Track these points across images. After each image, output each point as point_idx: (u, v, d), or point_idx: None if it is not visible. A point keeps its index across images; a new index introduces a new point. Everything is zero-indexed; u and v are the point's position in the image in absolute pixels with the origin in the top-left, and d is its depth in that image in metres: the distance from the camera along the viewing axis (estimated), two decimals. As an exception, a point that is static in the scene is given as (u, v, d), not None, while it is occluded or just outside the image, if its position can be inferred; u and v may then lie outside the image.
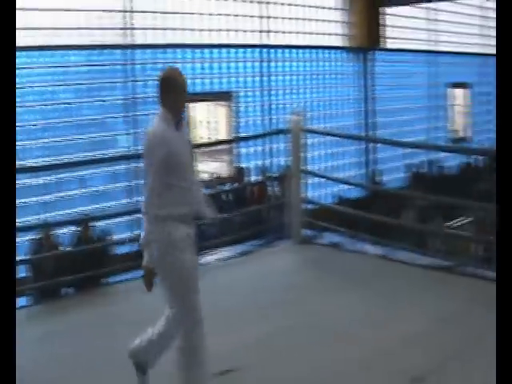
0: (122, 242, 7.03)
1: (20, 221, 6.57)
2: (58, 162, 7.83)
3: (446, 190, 11.64)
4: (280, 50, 10.92)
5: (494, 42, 16.13)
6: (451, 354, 3.75)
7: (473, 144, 15.44)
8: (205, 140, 9.94)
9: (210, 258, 5.83)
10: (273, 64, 10.86)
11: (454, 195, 11.11)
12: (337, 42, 12.17)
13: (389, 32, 12.95)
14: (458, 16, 15.01)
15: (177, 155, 3.22)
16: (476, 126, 15.92)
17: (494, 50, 16.14)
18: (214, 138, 10.16)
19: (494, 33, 16.13)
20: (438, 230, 7.79)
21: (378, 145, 12.24)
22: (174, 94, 3.30)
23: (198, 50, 9.77)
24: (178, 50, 9.52)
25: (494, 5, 15.83)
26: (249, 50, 10.52)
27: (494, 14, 15.98)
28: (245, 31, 10.44)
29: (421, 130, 13.76)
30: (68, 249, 6.37)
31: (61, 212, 8.11)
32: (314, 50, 11.58)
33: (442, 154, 13.56)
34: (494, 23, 16.11)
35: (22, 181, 7.49)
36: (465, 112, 15.73)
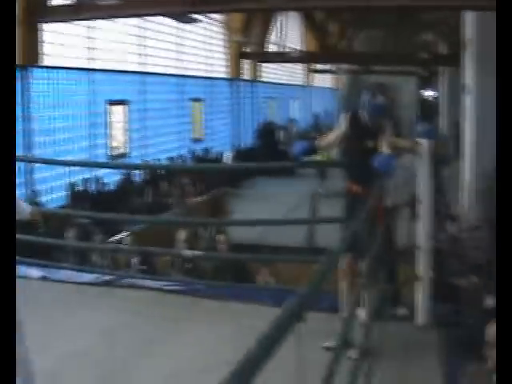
0: None
1: None
2: None
3: (106, 205, 12.25)
4: None
5: (152, 60, 17.30)
6: (118, 367, 4.07)
7: (132, 159, 16.26)
8: None
9: None
10: None
11: (114, 210, 11.73)
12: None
13: (48, 49, 12.90)
14: (117, 35, 15.63)
15: None
16: (134, 142, 16.75)
17: (152, 68, 17.36)
18: None
19: (152, 51, 17.30)
20: (99, 246, 8.21)
21: (37, 165, 12.15)
22: None
23: None
24: None
25: (153, 25, 17.03)
26: None
27: (153, 34, 17.18)
28: None
29: (82, 148, 14.01)
30: None
31: None
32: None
33: (104, 171, 14.04)
34: (152, 42, 17.29)
35: None
36: (124, 129, 16.43)
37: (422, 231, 4.77)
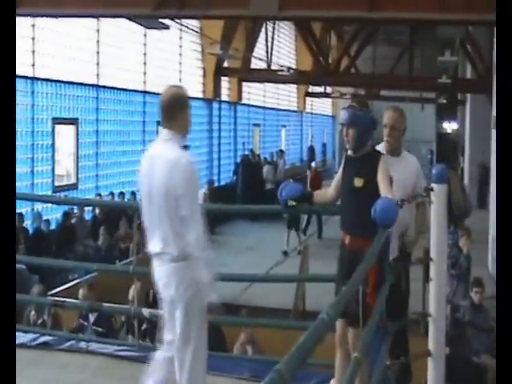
0: None
1: None
2: None
3: (47, 249, 12.28)
4: None
5: (111, 71, 17.43)
6: None
7: (81, 192, 16.22)
8: None
9: None
10: None
11: (57, 255, 11.71)
12: None
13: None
14: (68, 38, 15.77)
15: None
16: (85, 171, 16.73)
17: (110, 82, 17.47)
18: None
19: (111, 61, 17.44)
20: (36, 299, 8.25)
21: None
22: (185, 112, 3.86)
23: None
24: None
25: (113, 29, 17.23)
26: None
27: (112, 40, 17.35)
28: None
29: (21, 174, 13.81)
30: None
31: None
32: None
33: (45, 205, 14.01)
34: (111, 50, 17.43)
35: None
36: (72, 154, 16.41)
37: (433, 296, 4.83)
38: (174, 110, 3.89)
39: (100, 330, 7.32)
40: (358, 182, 4.40)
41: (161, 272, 4.02)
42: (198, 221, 3.86)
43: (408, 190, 4.76)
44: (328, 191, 4.84)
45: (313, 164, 21.67)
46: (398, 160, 5.01)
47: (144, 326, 7.35)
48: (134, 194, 17.12)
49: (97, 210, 15.27)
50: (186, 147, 3.97)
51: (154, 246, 4.03)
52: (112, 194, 16.81)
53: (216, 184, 23.75)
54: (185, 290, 3.92)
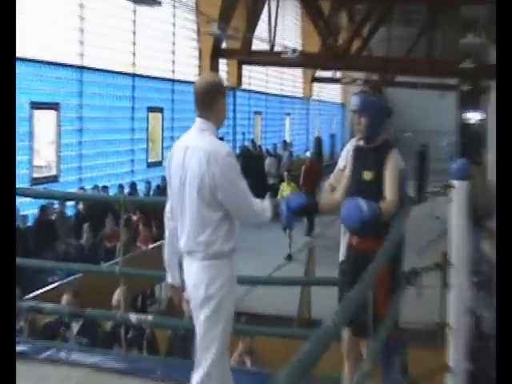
0: None
1: None
2: None
3: (25, 248, 12.27)
4: None
5: (95, 52, 17.40)
6: None
7: (63, 185, 16.19)
8: None
9: None
10: None
11: (35, 255, 11.73)
12: None
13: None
14: (48, 12, 15.74)
15: None
16: (67, 161, 16.66)
17: (94, 63, 17.45)
18: None
19: (95, 40, 17.41)
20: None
21: None
22: (223, 101, 3.97)
23: None
24: None
25: (99, 4, 17.22)
26: None
27: (97, 16, 17.34)
28: None
29: None
30: None
31: None
32: None
33: (22, 199, 14.01)
34: (96, 27, 17.41)
35: None
36: (53, 142, 16.33)
37: (453, 305, 4.82)
38: (212, 98, 3.97)
39: (85, 340, 7.32)
40: (367, 176, 4.40)
41: (191, 271, 4.07)
42: (247, 206, 4.02)
43: None
44: (335, 195, 4.78)
45: (307, 153, 21.27)
46: None
47: (130, 333, 7.35)
48: (121, 187, 17.08)
49: (80, 205, 15.25)
50: (221, 138, 4.05)
51: (183, 242, 4.10)
52: (96, 187, 16.76)
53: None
54: (217, 289, 3.97)
